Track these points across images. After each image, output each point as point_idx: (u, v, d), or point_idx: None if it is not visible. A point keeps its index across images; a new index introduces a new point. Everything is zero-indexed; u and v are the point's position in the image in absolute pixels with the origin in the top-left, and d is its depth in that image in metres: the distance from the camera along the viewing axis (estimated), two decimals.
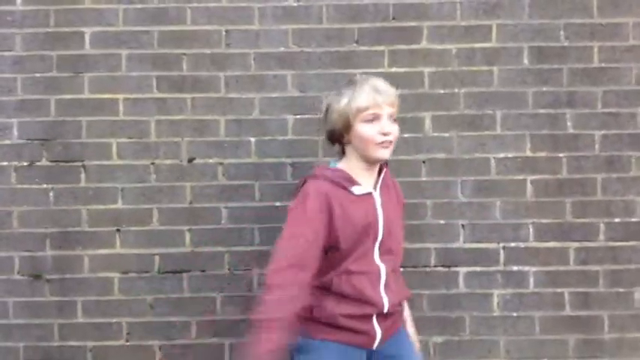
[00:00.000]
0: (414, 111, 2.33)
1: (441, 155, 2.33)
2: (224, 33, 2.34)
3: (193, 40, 2.34)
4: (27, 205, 2.32)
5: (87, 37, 2.34)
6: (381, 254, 1.81)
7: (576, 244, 2.32)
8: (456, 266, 2.32)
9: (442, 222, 2.33)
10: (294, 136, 2.33)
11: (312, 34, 2.34)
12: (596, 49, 2.35)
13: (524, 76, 2.34)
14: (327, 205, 1.75)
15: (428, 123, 2.33)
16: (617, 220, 2.33)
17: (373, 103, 1.78)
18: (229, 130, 2.34)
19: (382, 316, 1.80)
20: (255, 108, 2.34)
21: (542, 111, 2.33)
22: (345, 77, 2.28)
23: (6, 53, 2.33)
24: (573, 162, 2.33)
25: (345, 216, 1.76)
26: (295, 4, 2.34)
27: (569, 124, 2.34)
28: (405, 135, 2.32)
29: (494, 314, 2.32)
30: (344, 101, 1.80)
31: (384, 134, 1.78)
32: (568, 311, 2.32)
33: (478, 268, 2.32)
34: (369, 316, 1.79)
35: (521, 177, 2.33)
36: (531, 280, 2.32)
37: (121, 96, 2.33)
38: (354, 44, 2.34)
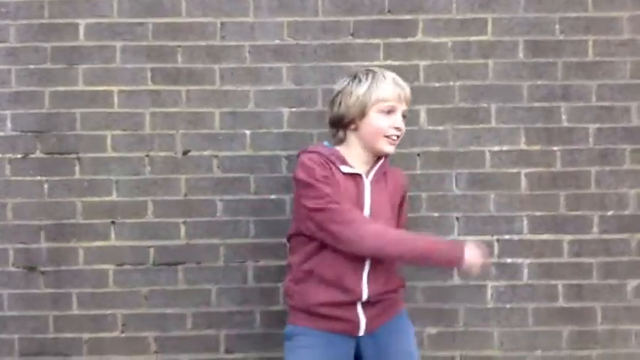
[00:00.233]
0: (409, 104, 2.32)
1: (436, 148, 2.34)
2: (219, 25, 2.33)
3: (188, 32, 2.33)
4: (21, 197, 2.31)
5: (81, 29, 2.33)
6: None
7: (570, 237, 2.34)
8: None
9: (436, 215, 2.33)
10: (290, 128, 2.33)
11: (308, 26, 2.33)
12: (590, 43, 2.35)
13: (519, 69, 2.34)
14: (326, 166, 1.78)
15: (423, 116, 2.34)
16: (610, 212, 2.34)
17: (394, 96, 1.82)
18: (224, 122, 2.33)
19: (368, 304, 1.81)
20: (250, 101, 2.33)
21: (536, 104, 2.34)
22: (341, 70, 2.30)
23: (0, 44, 2.32)
24: (567, 155, 2.34)
25: (335, 188, 1.77)
26: None
27: (563, 117, 2.35)
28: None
29: (488, 306, 2.33)
30: (363, 88, 1.82)
31: (396, 128, 1.83)
32: (561, 303, 2.33)
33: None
34: (351, 303, 1.79)
35: (515, 170, 2.34)
36: (525, 272, 2.33)
37: (115, 88, 2.33)
38: (350, 37, 2.34)
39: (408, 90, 1.88)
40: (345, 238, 1.73)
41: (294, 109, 2.33)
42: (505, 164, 2.34)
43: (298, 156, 1.86)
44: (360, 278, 1.80)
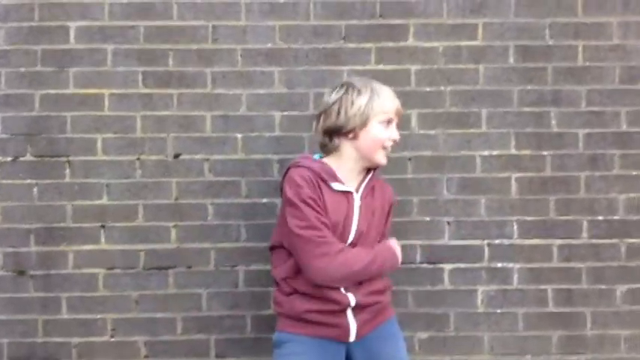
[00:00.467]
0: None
1: (427, 153, 2.34)
2: (211, 28, 2.33)
3: (180, 35, 2.33)
4: (11, 200, 2.30)
5: (72, 32, 2.32)
6: None
7: (560, 242, 2.35)
8: (441, 263, 2.34)
9: (427, 219, 2.34)
10: (281, 132, 2.33)
11: (300, 30, 2.34)
12: (580, 48, 2.37)
13: (509, 74, 2.35)
14: (316, 186, 1.79)
15: (414, 120, 2.34)
16: (600, 217, 2.35)
17: (394, 109, 1.86)
18: (216, 126, 2.33)
19: (358, 309, 1.81)
20: (242, 104, 2.33)
21: (527, 109, 2.35)
22: (333, 74, 2.31)
23: None
24: (557, 160, 2.35)
25: (323, 206, 1.79)
26: (282, 1, 2.33)
27: (553, 122, 2.36)
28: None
29: (479, 310, 2.34)
30: (364, 98, 1.83)
31: (392, 140, 1.87)
32: (551, 308, 2.34)
33: (463, 265, 2.33)
34: (340, 310, 1.80)
35: (505, 174, 2.35)
36: (515, 276, 2.34)
37: (106, 91, 2.32)
38: (342, 41, 2.34)
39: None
40: (312, 270, 1.75)
41: (285, 113, 2.33)
42: (495, 169, 2.35)
43: (288, 169, 1.86)
44: (340, 290, 1.81)
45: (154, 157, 2.32)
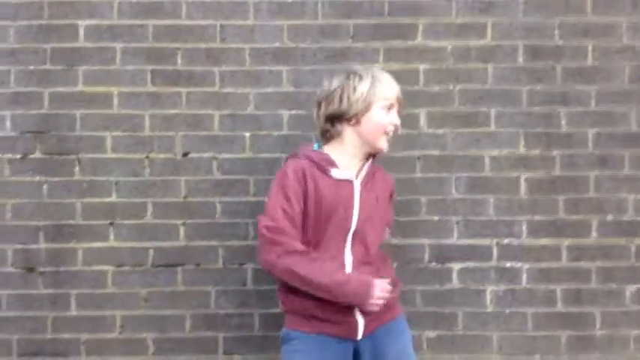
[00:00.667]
0: (409, 108, 2.32)
1: (436, 152, 2.34)
2: (219, 27, 2.34)
3: (188, 34, 2.33)
4: (20, 197, 2.31)
5: (81, 30, 2.33)
6: (352, 245, 1.82)
7: (569, 241, 2.34)
8: (450, 262, 2.33)
9: (436, 218, 2.34)
10: (289, 131, 2.33)
11: (308, 29, 2.34)
12: (590, 48, 2.36)
13: (518, 74, 2.35)
14: (302, 183, 1.80)
15: (422, 120, 2.34)
16: (609, 217, 2.35)
17: (395, 94, 1.87)
18: (224, 125, 2.33)
19: None
20: (250, 103, 2.34)
21: (536, 109, 2.35)
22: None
23: None
24: (566, 160, 2.35)
25: (317, 199, 1.80)
26: (290, 0, 2.33)
27: (562, 122, 2.35)
28: (400, 131, 2.32)
29: (487, 310, 2.33)
30: (366, 84, 1.84)
31: (394, 125, 1.88)
32: (560, 307, 2.33)
33: (471, 264, 2.33)
34: (347, 307, 1.78)
35: (514, 174, 2.34)
36: (524, 276, 2.33)
37: (115, 89, 2.33)
38: (350, 40, 2.34)
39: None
40: (262, 258, 1.79)
41: (293, 112, 2.33)
42: (504, 168, 2.34)
43: (287, 159, 1.89)
44: None
45: (162, 156, 2.33)
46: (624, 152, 2.35)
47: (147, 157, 2.33)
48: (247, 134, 2.33)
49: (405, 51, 2.34)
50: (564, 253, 2.34)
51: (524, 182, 2.34)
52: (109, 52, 2.33)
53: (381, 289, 1.77)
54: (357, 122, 1.85)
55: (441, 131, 2.34)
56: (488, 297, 2.33)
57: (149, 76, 2.33)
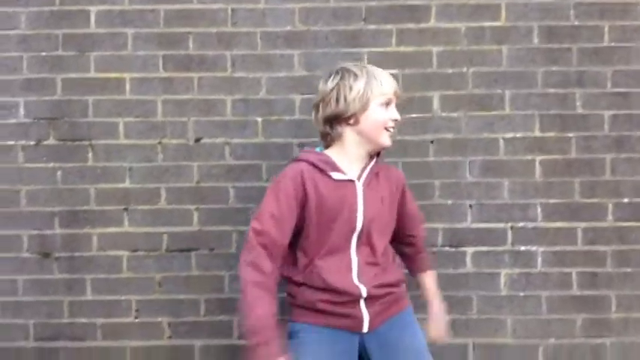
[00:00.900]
0: (422, 91, 2.32)
1: (449, 135, 2.32)
2: (230, 12, 2.32)
3: (199, 18, 2.32)
4: (35, 184, 2.32)
5: (92, 16, 2.32)
6: (357, 247, 1.81)
7: (584, 224, 2.32)
8: (464, 246, 2.32)
9: (450, 202, 2.32)
10: (301, 116, 2.32)
11: (319, 12, 2.32)
12: (606, 29, 2.32)
13: (533, 55, 2.32)
14: (300, 188, 1.77)
15: (436, 103, 2.32)
16: (625, 200, 2.32)
17: (392, 90, 1.83)
18: (236, 109, 2.33)
19: (371, 300, 1.79)
20: (261, 88, 2.33)
21: (551, 91, 2.32)
22: (353, 56, 2.29)
23: (11, 32, 2.32)
24: (582, 142, 2.32)
25: (318, 201, 1.78)
26: None
27: (578, 103, 2.32)
28: (413, 115, 2.31)
29: (502, 294, 2.32)
30: (362, 81, 1.80)
31: (394, 121, 1.83)
32: (575, 291, 2.32)
33: (485, 248, 2.32)
34: (352, 301, 1.78)
35: (529, 157, 2.32)
36: (539, 259, 2.32)
37: (127, 75, 2.33)
38: (362, 23, 2.32)
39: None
40: (241, 255, 1.77)
41: (305, 96, 2.32)
42: (519, 151, 2.32)
43: (290, 161, 1.87)
44: (351, 279, 1.79)
45: (175, 141, 2.33)
46: None
47: (159, 143, 2.33)
48: (259, 119, 2.33)
49: (418, 33, 2.31)
50: (580, 236, 2.32)
51: (539, 165, 2.32)
52: (120, 37, 2.32)
53: None
54: (357, 122, 1.81)
55: (454, 114, 2.32)
56: (502, 280, 2.33)
57: (161, 62, 2.33)
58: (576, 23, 2.32)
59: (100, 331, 2.32)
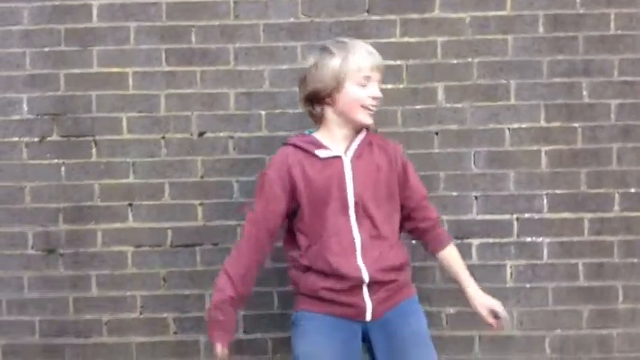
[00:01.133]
0: (427, 81, 2.30)
1: (454, 126, 2.31)
2: (232, 4, 2.31)
3: (202, 11, 2.31)
4: (39, 180, 2.32)
5: (94, 10, 2.31)
6: (358, 222, 1.78)
7: (591, 215, 2.30)
8: (469, 238, 2.31)
9: (455, 194, 2.31)
10: None
11: (322, 4, 2.30)
12: (612, 17, 2.30)
13: (539, 44, 2.29)
14: (285, 174, 1.80)
15: (441, 93, 2.30)
16: (632, 190, 2.30)
17: (370, 66, 1.78)
18: (239, 103, 2.32)
19: (374, 287, 1.77)
20: (265, 80, 2.31)
21: (557, 80, 2.29)
22: None
23: (14, 27, 2.31)
24: (588, 132, 2.30)
25: (307, 183, 1.78)
26: None
27: (584, 93, 2.30)
28: (418, 106, 2.29)
29: (508, 285, 2.31)
30: (337, 60, 1.77)
31: (373, 98, 1.80)
32: (582, 282, 2.31)
33: (491, 240, 2.31)
34: (355, 288, 1.76)
35: (535, 147, 2.30)
36: (545, 251, 2.31)
37: (130, 70, 2.32)
38: (365, 14, 2.30)
39: (380, 58, 1.83)
40: None
41: None
42: (525, 142, 2.30)
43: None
44: (355, 261, 1.77)
45: (178, 136, 2.32)
46: None
47: (163, 138, 2.32)
48: (263, 112, 2.31)
49: (422, 23, 2.29)
50: (586, 227, 2.31)
51: (544, 155, 2.30)
52: (122, 31, 2.31)
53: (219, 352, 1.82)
54: (334, 101, 1.80)
55: (459, 105, 2.30)
56: (508, 272, 2.31)
57: (163, 56, 2.31)
58: (582, 11, 2.29)
59: (105, 327, 2.33)
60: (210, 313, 1.83)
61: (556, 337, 2.31)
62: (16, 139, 2.32)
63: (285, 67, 2.30)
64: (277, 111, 2.31)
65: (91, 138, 2.32)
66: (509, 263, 2.31)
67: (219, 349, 1.82)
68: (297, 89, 2.26)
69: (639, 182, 2.30)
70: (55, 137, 2.32)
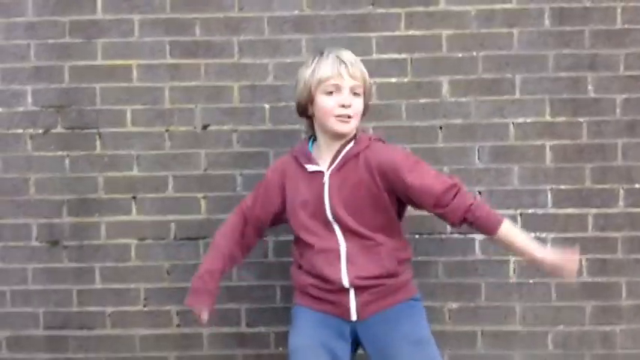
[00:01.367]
0: (431, 75, 2.29)
1: (458, 121, 2.30)
2: None
3: (206, 4, 2.30)
4: (43, 172, 2.33)
5: (99, 2, 2.31)
6: (342, 233, 1.81)
7: (595, 210, 2.29)
8: (472, 233, 2.29)
9: None
10: None
11: None
12: (619, 10, 2.28)
13: (544, 38, 2.28)
14: (279, 180, 1.90)
15: (445, 87, 2.29)
16: (637, 185, 2.29)
17: (335, 74, 1.77)
18: (243, 96, 2.31)
19: (359, 290, 1.80)
20: (269, 74, 2.31)
21: (562, 74, 2.28)
22: (361, 41, 2.27)
23: (18, 19, 2.31)
24: (594, 127, 2.28)
25: (294, 193, 1.85)
26: None
27: (590, 87, 2.28)
28: (422, 100, 2.29)
29: (511, 281, 2.30)
30: (308, 71, 1.81)
31: (343, 106, 1.78)
32: (585, 278, 2.30)
33: None
34: (340, 289, 1.80)
35: (540, 142, 2.29)
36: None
37: (134, 62, 2.31)
38: (370, 7, 2.29)
39: (355, 65, 1.80)
40: None
41: None
42: (529, 136, 2.29)
43: None
44: (338, 268, 1.80)
45: (182, 129, 2.32)
46: None
47: (167, 130, 2.32)
48: (267, 106, 2.31)
49: (427, 16, 2.28)
50: (590, 223, 2.30)
51: (549, 150, 2.29)
52: (127, 24, 2.31)
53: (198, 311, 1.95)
54: (311, 112, 1.84)
55: (464, 99, 2.29)
56: (511, 268, 2.31)
57: (168, 48, 2.31)
58: (588, 5, 2.28)
59: (108, 319, 2.33)
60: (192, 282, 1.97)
61: (559, 332, 2.31)
62: (21, 131, 2.33)
63: (289, 60, 2.30)
64: (281, 104, 2.30)
65: (95, 130, 2.32)
66: (512, 259, 2.30)
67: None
68: None
69: None
70: (59, 129, 2.32)
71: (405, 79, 2.29)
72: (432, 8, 2.28)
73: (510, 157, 2.29)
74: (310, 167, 1.84)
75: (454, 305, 2.31)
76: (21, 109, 2.32)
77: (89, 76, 2.31)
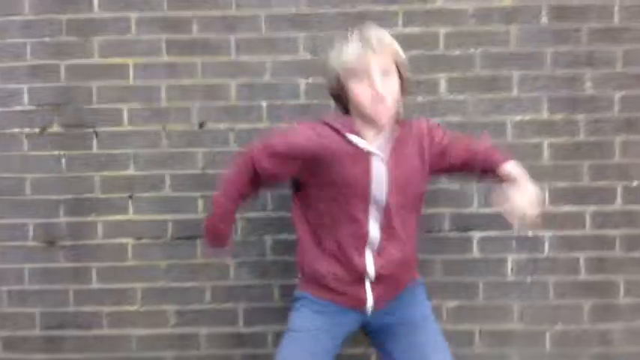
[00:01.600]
0: (429, 73, 2.28)
1: (456, 118, 2.29)
2: None
3: (203, 1, 2.29)
4: (39, 172, 2.32)
5: (95, 0, 2.30)
6: (375, 218, 1.70)
7: (593, 208, 2.29)
8: (470, 231, 2.30)
9: (456, 186, 2.30)
10: (307, 100, 2.29)
11: None
12: (616, 8, 2.27)
13: (542, 35, 2.27)
14: (316, 141, 1.65)
15: (443, 85, 2.29)
16: (635, 183, 2.29)
17: (360, 57, 1.61)
18: (240, 94, 2.30)
19: (378, 279, 1.72)
20: (266, 71, 2.30)
21: (560, 72, 2.28)
22: None
23: (15, 18, 2.30)
24: (591, 124, 2.28)
25: (332, 163, 1.65)
26: None
27: (587, 84, 2.28)
28: (419, 98, 2.28)
29: (509, 279, 2.30)
30: (334, 55, 1.68)
31: (376, 91, 1.62)
32: (583, 276, 2.30)
33: (492, 233, 2.30)
34: (358, 279, 1.72)
35: (537, 140, 2.29)
36: (546, 244, 2.30)
37: (131, 60, 2.30)
38: (368, 4, 2.28)
39: (379, 43, 1.63)
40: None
41: (311, 80, 2.29)
42: (527, 134, 2.29)
43: None
44: (364, 255, 1.71)
45: (179, 127, 2.31)
46: None
47: (164, 129, 2.31)
48: (264, 104, 2.30)
49: (425, 14, 2.28)
50: (588, 221, 2.30)
51: (547, 148, 2.29)
52: (124, 22, 2.30)
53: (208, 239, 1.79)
54: (347, 99, 1.69)
55: (461, 97, 2.29)
56: (509, 266, 2.31)
57: (164, 46, 2.30)
58: (586, 2, 2.27)
59: (105, 319, 2.32)
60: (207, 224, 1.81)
61: (557, 331, 2.31)
62: (17, 130, 2.31)
63: (286, 58, 2.29)
64: (279, 102, 2.30)
65: (91, 129, 2.31)
66: (510, 257, 2.30)
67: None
68: (298, 80, 2.29)
69: None
70: (55, 128, 2.31)
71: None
72: (429, 6, 2.28)
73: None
74: (357, 140, 1.65)
75: (452, 304, 2.31)
76: (17, 108, 2.31)
77: (86, 74, 2.30)
